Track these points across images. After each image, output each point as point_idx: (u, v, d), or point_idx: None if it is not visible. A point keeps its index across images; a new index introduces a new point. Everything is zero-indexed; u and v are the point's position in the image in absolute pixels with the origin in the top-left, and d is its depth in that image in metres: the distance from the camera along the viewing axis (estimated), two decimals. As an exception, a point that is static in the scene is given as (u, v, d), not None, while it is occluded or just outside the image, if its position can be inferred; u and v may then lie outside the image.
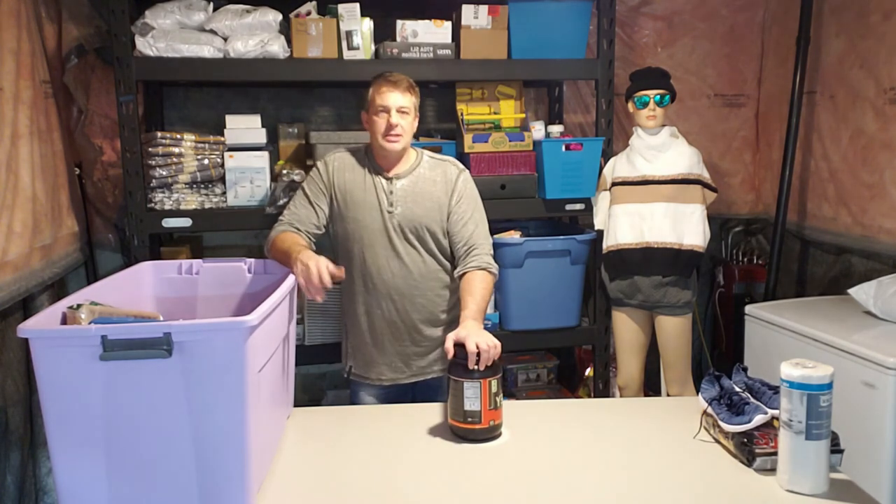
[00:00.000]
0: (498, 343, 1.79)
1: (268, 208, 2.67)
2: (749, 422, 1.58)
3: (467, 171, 2.29)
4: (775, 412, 1.55)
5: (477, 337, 1.78)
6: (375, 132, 2.16)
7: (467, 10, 2.83)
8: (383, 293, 2.21)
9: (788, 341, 2.55)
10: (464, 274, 2.14)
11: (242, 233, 3.20)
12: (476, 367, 1.75)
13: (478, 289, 2.07)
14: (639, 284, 2.81)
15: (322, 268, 1.86)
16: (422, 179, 2.22)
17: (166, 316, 1.81)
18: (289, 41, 2.72)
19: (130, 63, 2.58)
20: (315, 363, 3.19)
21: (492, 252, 2.21)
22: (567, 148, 2.90)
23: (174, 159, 2.68)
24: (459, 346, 1.79)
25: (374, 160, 2.24)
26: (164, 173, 2.67)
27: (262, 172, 2.77)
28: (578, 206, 2.98)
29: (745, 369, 1.78)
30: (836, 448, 1.53)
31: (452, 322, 2.23)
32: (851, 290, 2.60)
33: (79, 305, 1.53)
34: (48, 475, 2.56)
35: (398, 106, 2.14)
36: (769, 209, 3.58)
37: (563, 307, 2.98)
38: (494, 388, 1.75)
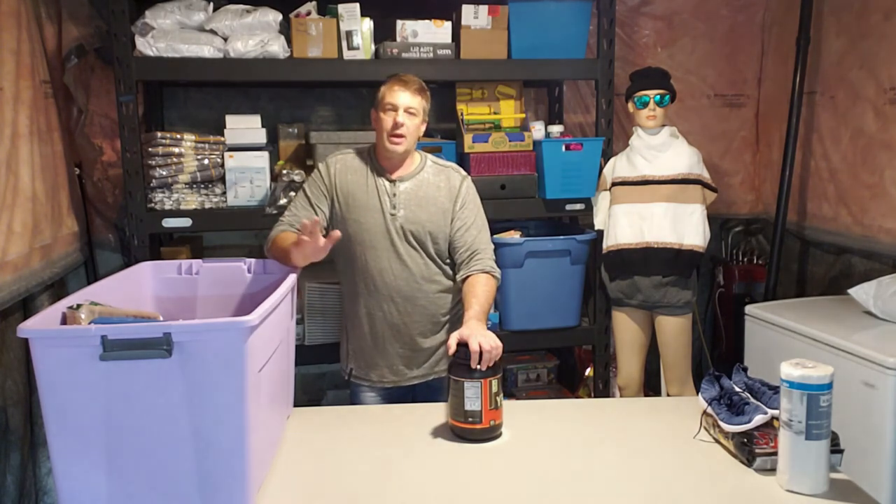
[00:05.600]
0: (500, 344, 1.79)
1: (268, 208, 2.67)
2: (749, 422, 1.58)
3: (469, 177, 2.29)
4: (775, 412, 1.55)
5: (480, 337, 1.78)
6: (381, 130, 2.16)
7: (467, 10, 2.83)
8: (385, 295, 2.21)
9: (788, 341, 2.55)
10: (467, 277, 2.15)
11: (242, 233, 3.20)
12: (478, 366, 1.75)
13: (481, 291, 2.07)
14: (639, 284, 2.81)
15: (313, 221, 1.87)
16: (425, 184, 2.22)
17: (166, 316, 1.81)
18: (289, 41, 2.72)
19: (130, 63, 2.58)
20: (315, 363, 3.19)
21: (494, 257, 2.22)
22: (567, 148, 2.89)
23: (174, 159, 2.68)
24: (461, 346, 1.79)
25: (377, 162, 2.23)
26: (164, 173, 2.67)
27: (262, 172, 2.77)
28: (578, 206, 2.98)
29: (745, 369, 1.78)
30: (836, 448, 1.53)
31: (453, 324, 2.24)
32: (851, 290, 2.60)
33: (79, 305, 1.53)
34: (48, 475, 2.56)
35: (406, 105, 2.14)
36: (769, 209, 3.58)
37: (562, 307, 2.98)
38: (495, 388, 1.76)
